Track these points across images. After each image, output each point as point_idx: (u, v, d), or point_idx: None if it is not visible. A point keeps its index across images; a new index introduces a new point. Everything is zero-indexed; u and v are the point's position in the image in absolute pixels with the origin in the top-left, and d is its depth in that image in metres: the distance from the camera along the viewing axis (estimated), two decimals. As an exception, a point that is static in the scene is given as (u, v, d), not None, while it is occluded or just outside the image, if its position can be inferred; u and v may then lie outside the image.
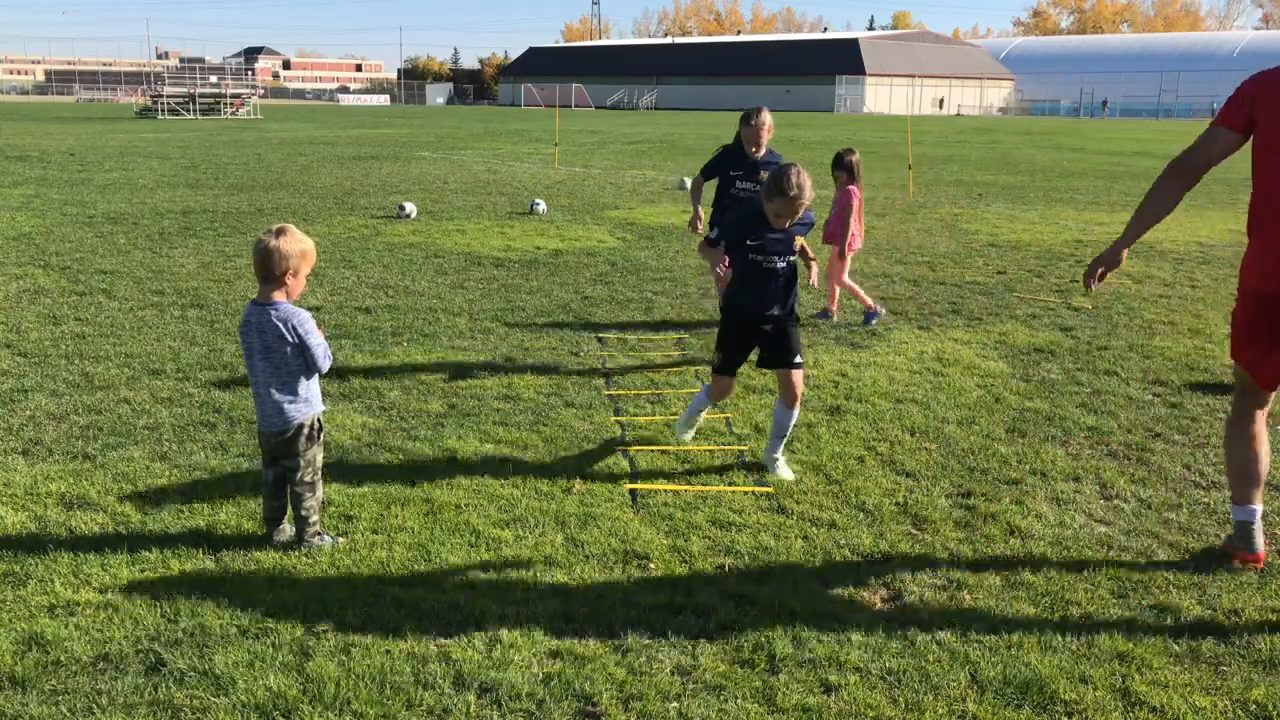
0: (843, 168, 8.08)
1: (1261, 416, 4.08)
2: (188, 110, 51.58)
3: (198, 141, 29.62)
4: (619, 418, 5.72)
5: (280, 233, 3.88)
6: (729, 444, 5.35)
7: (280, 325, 3.89)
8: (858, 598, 3.78)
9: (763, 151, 6.80)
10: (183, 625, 3.47)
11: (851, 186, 8.09)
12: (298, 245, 3.89)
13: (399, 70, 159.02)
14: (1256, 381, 4.01)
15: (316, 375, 4.04)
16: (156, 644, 3.35)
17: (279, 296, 3.93)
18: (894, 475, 4.96)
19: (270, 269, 3.87)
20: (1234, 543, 4.11)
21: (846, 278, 8.19)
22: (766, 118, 6.70)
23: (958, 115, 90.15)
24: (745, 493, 4.70)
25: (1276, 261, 3.99)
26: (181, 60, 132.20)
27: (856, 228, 8.20)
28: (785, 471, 4.92)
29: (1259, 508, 4.07)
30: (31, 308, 8.05)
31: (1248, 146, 4.18)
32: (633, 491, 4.71)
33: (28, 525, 4.21)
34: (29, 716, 3.00)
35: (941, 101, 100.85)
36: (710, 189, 6.95)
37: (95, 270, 9.60)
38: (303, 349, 3.92)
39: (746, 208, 5.29)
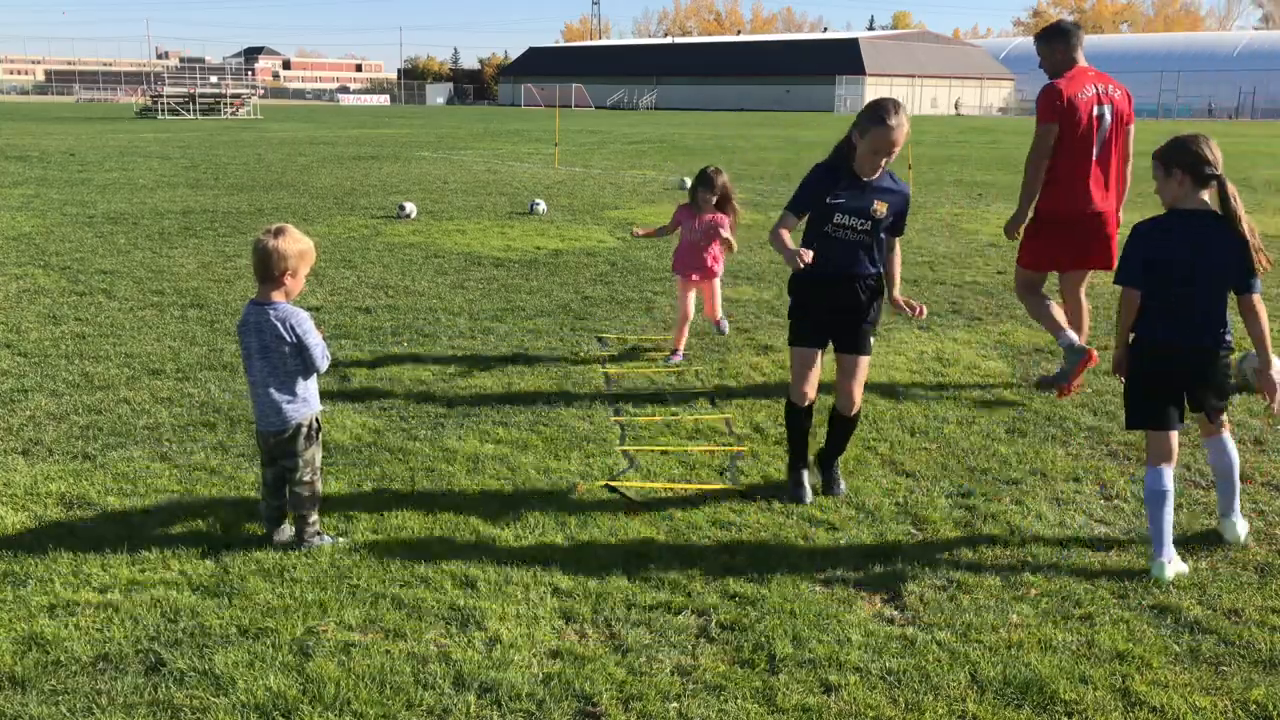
0: (712, 189, 6.67)
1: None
2: (188, 110, 51.59)
3: (198, 141, 29.62)
4: (619, 418, 5.73)
5: (279, 233, 3.88)
6: (729, 444, 5.35)
7: (279, 325, 3.89)
8: (858, 598, 3.78)
9: (878, 173, 4.56)
10: (183, 625, 3.47)
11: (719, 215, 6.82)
12: (296, 245, 3.89)
13: (399, 70, 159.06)
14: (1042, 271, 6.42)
15: (315, 375, 4.04)
16: (156, 644, 3.35)
17: (278, 296, 3.93)
18: (894, 475, 4.96)
19: (269, 269, 3.87)
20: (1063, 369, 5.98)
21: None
22: (906, 120, 4.41)
23: (957, 115, 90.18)
24: (721, 490, 4.70)
25: (1068, 197, 6.09)
26: (181, 60, 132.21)
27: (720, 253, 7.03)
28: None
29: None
30: (31, 308, 8.05)
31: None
32: (610, 486, 4.73)
33: (28, 525, 4.21)
34: (29, 716, 3.00)
35: (957, 103, 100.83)
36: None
37: (95, 270, 9.60)
38: (301, 349, 3.92)
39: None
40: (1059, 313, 6.25)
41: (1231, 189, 3.96)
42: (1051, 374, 6.48)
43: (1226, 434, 4.22)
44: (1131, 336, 4.07)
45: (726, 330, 7.39)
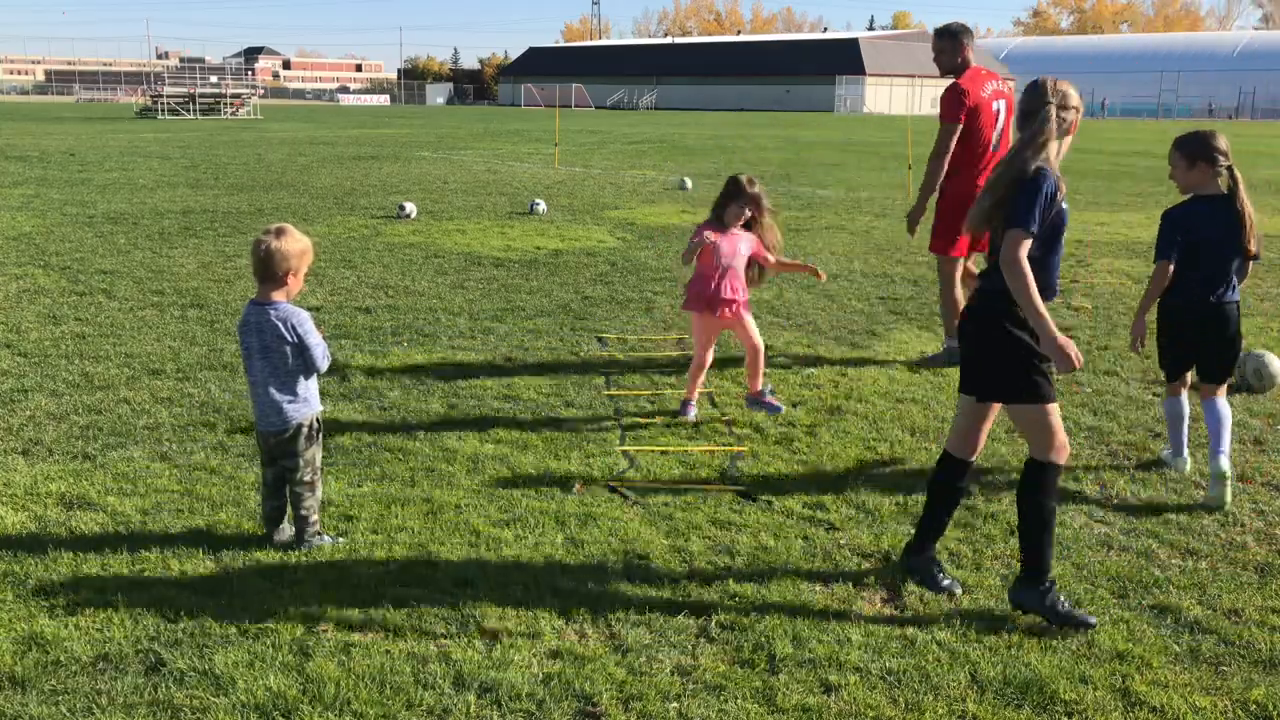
0: (745, 200, 5.50)
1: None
2: (188, 110, 51.58)
3: (198, 141, 29.62)
4: (619, 418, 5.72)
5: (280, 233, 3.88)
6: (729, 444, 5.35)
7: (279, 325, 3.89)
8: (858, 598, 3.78)
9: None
10: (183, 625, 3.47)
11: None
12: (297, 245, 3.90)
13: (399, 70, 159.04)
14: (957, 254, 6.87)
15: (315, 375, 4.04)
16: (156, 644, 3.35)
17: (279, 296, 3.93)
18: (894, 475, 4.96)
19: (271, 269, 3.88)
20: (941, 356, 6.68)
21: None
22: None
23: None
24: (720, 491, 4.70)
25: (971, 188, 6.40)
26: (181, 60, 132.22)
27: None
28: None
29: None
30: (31, 308, 8.05)
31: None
32: (612, 486, 4.73)
33: (28, 525, 4.21)
34: (29, 716, 3.00)
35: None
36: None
37: (95, 270, 9.60)
38: (302, 349, 3.92)
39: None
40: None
41: (1239, 176, 4.71)
42: (930, 355, 7.05)
43: (1222, 395, 4.85)
44: (1156, 303, 4.85)
45: (781, 408, 5.75)
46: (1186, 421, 5.04)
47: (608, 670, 3.27)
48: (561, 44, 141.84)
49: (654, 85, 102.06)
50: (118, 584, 3.73)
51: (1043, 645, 3.47)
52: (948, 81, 6.73)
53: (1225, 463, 4.65)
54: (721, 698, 3.15)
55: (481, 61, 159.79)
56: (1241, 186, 4.70)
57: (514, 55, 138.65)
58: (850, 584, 3.87)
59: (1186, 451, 5.06)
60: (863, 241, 12.35)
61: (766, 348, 7.28)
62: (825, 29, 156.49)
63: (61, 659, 3.27)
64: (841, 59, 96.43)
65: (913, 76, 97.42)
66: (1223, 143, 4.66)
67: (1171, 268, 4.71)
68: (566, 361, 6.84)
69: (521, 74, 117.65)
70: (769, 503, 4.60)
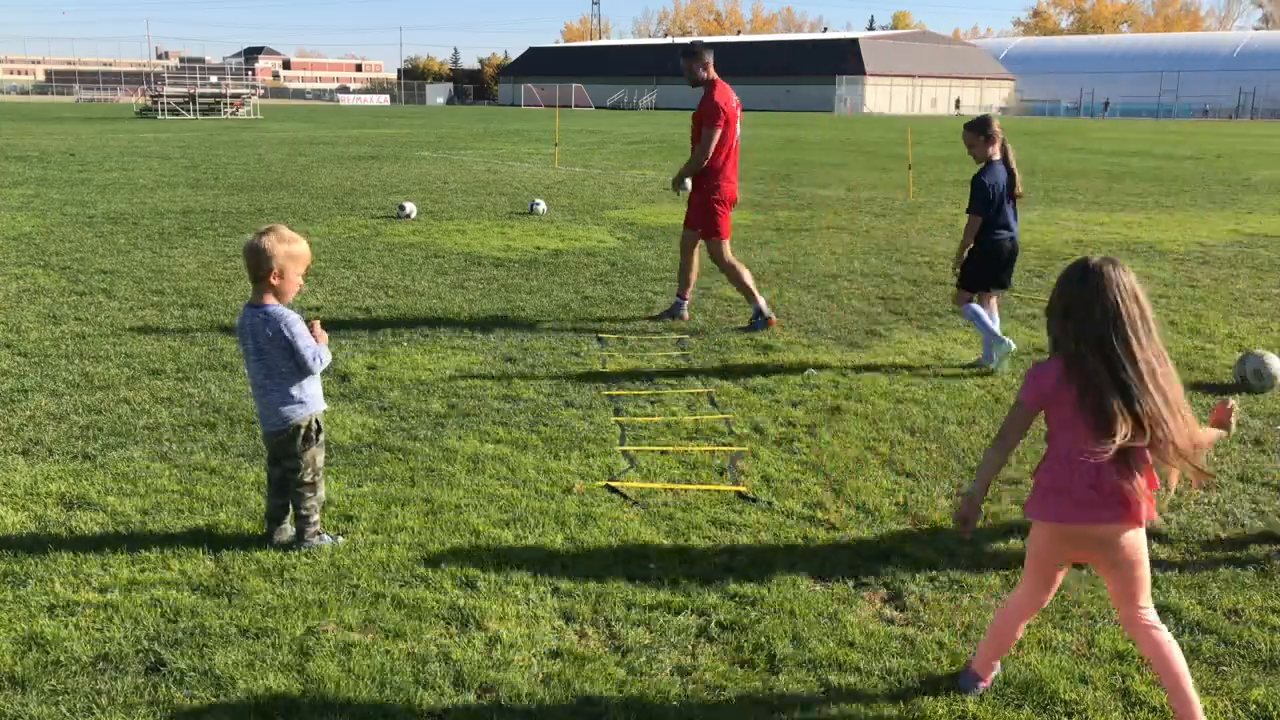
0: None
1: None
2: (188, 110, 51.59)
3: (198, 141, 29.62)
4: (619, 418, 5.73)
5: (266, 232, 3.86)
6: (729, 444, 5.35)
7: (267, 329, 3.88)
8: (858, 598, 3.78)
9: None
10: (183, 625, 3.47)
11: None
12: (283, 246, 3.85)
13: (399, 70, 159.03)
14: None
15: (313, 376, 4.03)
16: (156, 644, 3.35)
17: (269, 298, 3.91)
18: (894, 475, 4.96)
19: (256, 268, 3.86)
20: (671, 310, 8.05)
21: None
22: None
23: (957, 115, 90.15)
24: (720, 491, 4.70)
25: (731, 184, 7.87)
26: (181, 60, 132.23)
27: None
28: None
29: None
30: (31, 308, 8.05)
31: None
32: (610, 487, 4.73)
33: (28, 525, 4.21)
34: (29, 716, 3.00)
35: (958, 102, 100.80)
36: None
37: (95, 270, 9.60)
38: (291, 351, 3.90)
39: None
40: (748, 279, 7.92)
41: (1008, 144, 6.66)
42: (663, 310, 8.21)
43: (995, 301, 6.87)
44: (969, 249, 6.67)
45: None
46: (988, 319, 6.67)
47: (608, 670, 3.27)
48: (561, 44, 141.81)
49: (654, 85, 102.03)
50: (118, 584, 3.73)
51: (1043, 645, 3.47)
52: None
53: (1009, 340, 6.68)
54: (721, 698, 3.15)
55: (481, 61, 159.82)
56: (1010, 150, 6.63)
57: (514, 55, 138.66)
58: (850, 584, 3.87)
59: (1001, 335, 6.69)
60: (863, 241, 12.35)
61: (767, 347, 7.31)
62: (825, 29, 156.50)
63: (61, 659, 3.27)
64: (841, 59, 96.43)
65: (913, 76, 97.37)
66: (997, 123, 6.62)
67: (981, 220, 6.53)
68: (566, 361, 6.84)
69: (521, 74, 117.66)
70: (769, 503, 4.60)
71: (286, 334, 3.87)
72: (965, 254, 6.67)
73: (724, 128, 7.63)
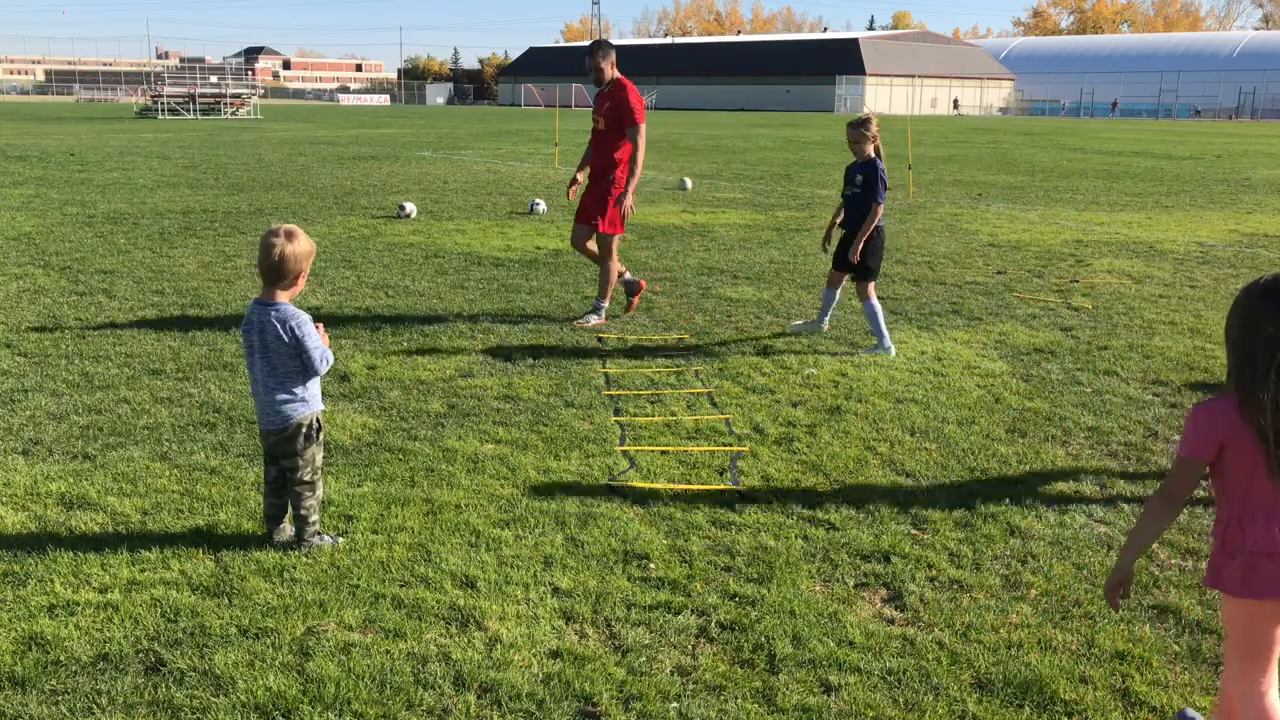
0: None
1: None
2: (188, 110, 51.58)
3: (198, 141, 29.62)
4: (619, 418, 5.73)
5: (291, 236, 3.88)
6: (729, 444, 5.35)
7: (279, 326, 3.89)
8: (858, 598, 3.78)
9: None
10: (183, 625, 3.47)
11: None
12: (305, 247, 3.92)
13: (399, 70, 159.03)
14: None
15: (315, 376, 4.04)
16: (156, 644, 3.35)
17: (283, 297, 3.94)
18: (894, 475, 4.96)
19: (283, 273, 3.88)
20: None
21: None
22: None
23: (957, 115, 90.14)
24: (721, 491, 4.70)
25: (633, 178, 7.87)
26: (181, 60, 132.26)
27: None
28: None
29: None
30: (31, 308, 8.05)
31: None
32: (610, 486, 4.73)
33: (28, 525, 4.21)
34: (29, 716, 3.00)
35: (956, 102, 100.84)
36: None
37: (95, 270, 9.60)
38: (300, 351, 3.92)
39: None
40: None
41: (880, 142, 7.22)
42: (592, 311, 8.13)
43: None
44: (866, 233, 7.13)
45: None
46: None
47: (608, 670, 3.27)
48: (561, 44, 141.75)
49: (654, 85, 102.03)
50: (118, 584, 3.73)
51: (1043, 645, 3.47)
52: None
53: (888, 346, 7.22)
54: (721, 698, 3.15)
55: (481, 61, 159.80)
56: (881, 148, 7.23)
57: (514, 55, 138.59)
58: (850, 584, 3.87)
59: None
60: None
61: (767, 347, 7.31)
62: (825, 29, 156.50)
63: (61, 659, 3.27)
64: (841, 59, 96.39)
65: (913, 76, 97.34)
66: (874, 122, 7.10)
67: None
68: (566, 361, 6.84)
69: (521, 74, 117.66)
70: (769, 503, 4.60)
71: (298, 333, 3.89)
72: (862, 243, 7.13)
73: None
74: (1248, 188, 19.90)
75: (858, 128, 7.07)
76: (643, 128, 7.78)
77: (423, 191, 16.99)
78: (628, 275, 8.40)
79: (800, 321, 7.83)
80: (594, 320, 7.97)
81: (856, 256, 7.09)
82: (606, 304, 8.08)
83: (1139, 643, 3.48)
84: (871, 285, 7.20)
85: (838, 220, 7.41)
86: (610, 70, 7.83)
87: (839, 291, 7.59)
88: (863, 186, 7.09)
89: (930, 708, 3.12)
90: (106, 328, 7.45)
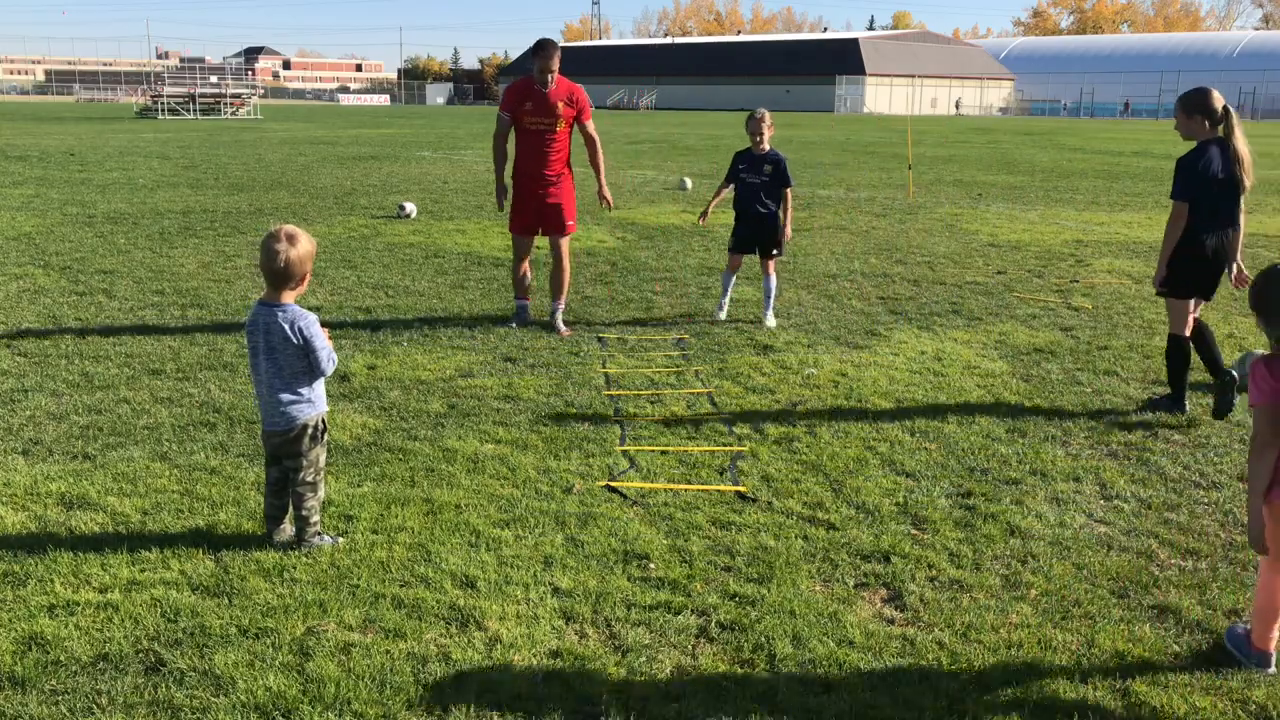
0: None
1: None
2: (188, 110, 51.58)
3: (198, 141, 29.62)
4: (619, 418, 5.72)
5: (293, 240, 3.87)
6: (729, 444, 5.35)
7: (286, 327, 3.89)
8: (858, 598, 3.78)
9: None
10: (183, 625, 3.47)
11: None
12: (308, 248, 3.92)
13: (399, 70, 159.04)
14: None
15: (321, 377, 4.04)
16: (156, 644, 3.35)
17: (288, 298, 3.94)
18: (894, 475, 4.96)
19: (288, 276, 3.89)
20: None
21: None
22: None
23: (957, 115, 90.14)
24: (720, 491, 4.69)
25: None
26: (181, 60, 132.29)
27: None
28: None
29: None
30: (31, 308, 8.05)
31: None
32: (610, 487, 4.73)
33: (28, 525, 4.21)
34: (29, 716, 3.00)
35: (958, 102, 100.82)
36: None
37: (95, 270, 9.60)
38: (307, 351, 3.92)
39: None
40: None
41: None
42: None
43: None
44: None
45: None
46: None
47: (608, 670, 3.27)
48: (562, 44, 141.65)
49: (654, 85, 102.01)
50: (118, 584, 3.73)
51: (1043, 645, 3.47)
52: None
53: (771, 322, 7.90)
54: (721, 698, 3.15)
55: (481, 61, 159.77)
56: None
57: (514, 55, 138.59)
58: (850, 584, 3.87)
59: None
60: (863, 241, 12.35)
61: (767, 347, 7.31)
62: (825, 29, 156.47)
63: (61, 659, 3.27)
64: (841, 59, 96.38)
65: (912, 76, 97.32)
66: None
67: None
68: (566, 361, 6.84)
69: (522, 74, 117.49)
70: (769, 503, 4.60)
71: (306, 333, 3.89)
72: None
73: None
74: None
75: (762, 121, 7.91)
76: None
77: (423, 191, 16.99)
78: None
79: (723, 311, 8.17)
80: (517, 318, 7.93)
81: (789, 234, 8.04)
82: (529, 302, 8.14)
83: (1139, 643, 3.48)
84: (735, 257, 8.11)
85: (717, 200, 8.27)
86: (557, 70, 7.74)
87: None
88: (773, 175, 7.92)
89: (930, 708, 3.12)
90: (106, 328, 7.45)
